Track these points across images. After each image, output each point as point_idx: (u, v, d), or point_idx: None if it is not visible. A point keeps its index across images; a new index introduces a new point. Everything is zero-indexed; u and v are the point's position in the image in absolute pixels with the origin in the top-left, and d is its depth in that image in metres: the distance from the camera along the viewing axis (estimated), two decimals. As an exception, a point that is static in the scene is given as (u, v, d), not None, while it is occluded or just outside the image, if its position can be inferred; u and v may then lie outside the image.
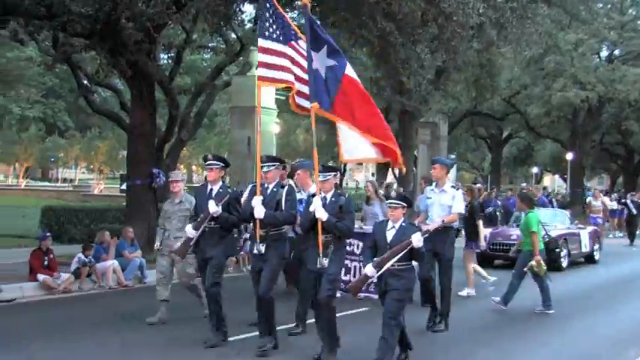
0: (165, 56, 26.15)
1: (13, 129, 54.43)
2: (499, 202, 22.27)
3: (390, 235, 7.20)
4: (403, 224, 7.21)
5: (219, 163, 8.28)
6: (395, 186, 22.62)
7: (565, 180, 48.44)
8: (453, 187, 9.51)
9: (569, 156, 41.43)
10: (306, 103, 7.81)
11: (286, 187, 7.95)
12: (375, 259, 7.10)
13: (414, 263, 7.47)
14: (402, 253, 6.99)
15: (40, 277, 11.58)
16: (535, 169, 61.25)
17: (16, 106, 51.92)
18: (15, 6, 13.30)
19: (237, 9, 15.40)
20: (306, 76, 7.72)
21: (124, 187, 24.88)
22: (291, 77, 7.84)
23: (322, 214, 7.31)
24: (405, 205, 7.26)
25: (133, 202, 15.92)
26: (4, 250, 14.32)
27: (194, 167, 66.04)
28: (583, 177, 44.10)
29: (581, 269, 16.75)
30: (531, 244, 10.86)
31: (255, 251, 7.80)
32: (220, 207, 7.97)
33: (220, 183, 8.29)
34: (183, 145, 20.92)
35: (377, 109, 7.99)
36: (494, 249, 16.34)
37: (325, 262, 7.30)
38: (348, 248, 10.28)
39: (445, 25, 14.93)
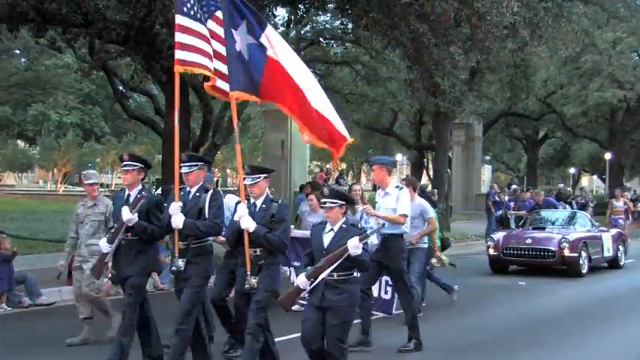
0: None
1: (51, 135, 55.38)
2: (512, 204, 21.68)
3: (327, 239, 6.07)
4: (344, 226, 6.06)
5: (136, 163, 7.02)
6: (429, 188, 22.48)
7: (604, 180, 47.69)
8: (396, 187, 8.43)
9: (608, 156, 40.78)
10: (226, 87, 6.71)
11: (210, 192, 6.74)
12: (309, 267, 6.04)
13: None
14: (339, 261, 5.87)
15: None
16: (572, 170, 60.42)
17: (55, 112, 52.90)
18: (53, 14, 13.53)
19: (270, 12, 15.47)
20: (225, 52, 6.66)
21: (159, 191, 25.11)
22: (209, 62, 6.75)
23: (249, 224, 6.23)
24: (343, 202, 6.10)
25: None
26: (44, 255, 14.52)
27: (228, 171, 66.43)
28: (622, 177, 43.37)
29: (603, 275, 15.49)
30: (430, 241, 10.26)
31: (174, 268, 6.59)
32: (136, 214, 6.70)
33: (139, 187, 7.00)
34: (217, 149, 21.08)
35: (302, 92, 6.79)
36: (508, 254, 15.14)
37: (254, 281, 6.25)
38: None
39: (479, 25, 14.82)
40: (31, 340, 8.39)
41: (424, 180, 37.82)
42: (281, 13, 19.25)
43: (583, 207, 22.77)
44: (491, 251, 15.34)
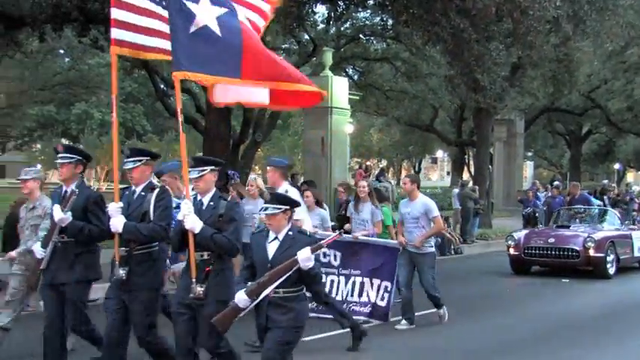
0: (239, 59, 26.43)
1: (94, 133, 56.30)
2: (540, 202, 21.04)
3: (271, 249, 5.20)
4: (290, 234, 5.21)
5: (73, 155, 6.23)
6: (470, 184, 22.25)
7: (649, 176, 46.70)
8: (286, 190, 8.05)
9: (654, 151, 39.93)
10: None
11: (157, 191, 5.95)
12: (250, 283, 5.18)
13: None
14: (286, 275, 5.04)
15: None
16: (617, 166, 59.30)
17: (97, 111, 53.77)
18: (96, 14, 13.73)
19: (310, 10, 15.47)
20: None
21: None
22: (157, 41, 5.91)
23: (194, 224, 5.37)
24: (287, 207, 5.24)
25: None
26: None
27: (268, 168, 66.71)
28: (669, 173, 42.44)
29: (633, 276, 14.75)
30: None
31: (114, 277, 5.79)
32: (69, 213, 5.92)
33: (76, 182, 6.21)
34: (257, 147, 21.16)
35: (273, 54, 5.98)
36: (529, 253, 14.35)
37: (200, 290, 5.40)
38: (323, 259, 9.35)
39: (521, 19, 14.62)
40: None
41: (465, 176, 37.47)
42: (321, 10, 19.23)
43: (615, 204, 22.01)
44: (512, 251, 14.62)
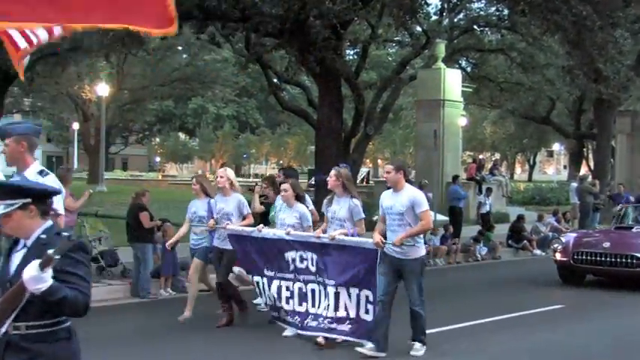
0: (351, 52, 26.53)
1: (209, 127, 58.00)
2: (602, 199, 19.10)
3: (15, 261, 3.36)
4: (42, 237, 3.34)
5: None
6: (589, 178, 21.35)
7: None
8: (39, 172, 6.40)
9: None
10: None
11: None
12: None
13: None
14: (20, 303, 3.19)
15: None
16: None
17: (212, 105, 55.36)
18: (214, 11, 14.09)
19: (423, 1, 15.24)
20: None
21: (312, 181, 25.55)
22: None
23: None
24: (28, 200, 3.32)
25: (321, 196, 16.28)
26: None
27: (380, 161, 66.67)
28: None
29: None
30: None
31: None
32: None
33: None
34: (369, 140, 21.15)
35: None
36: (579, 260, 11.82)
37: None
38: (299, 264, 7.78)
39: (649, 5, 13.85)
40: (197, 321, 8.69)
41: (583, 170, 36.07)
42: (434, 1, 18.98)
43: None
44: (559, 256, 12.05)
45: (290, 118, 49.81)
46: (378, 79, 27.05)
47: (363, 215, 7.70)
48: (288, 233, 7.81)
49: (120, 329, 8.46)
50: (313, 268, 7.68)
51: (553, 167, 78.20)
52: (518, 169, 76.16)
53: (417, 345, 7.26)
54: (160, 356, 7.41)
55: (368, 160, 55.32)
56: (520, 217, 17.27)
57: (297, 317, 7.80)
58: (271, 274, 8.04)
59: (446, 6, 20.49)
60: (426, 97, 21.07)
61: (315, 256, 7.64)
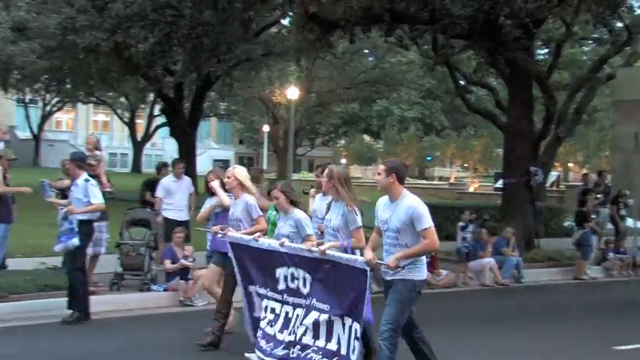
0: (541, 52, 25.58)
1: (394, 129, 58.38)
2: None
3: None
4: None
5: None
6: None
7: None
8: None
9: None
10: None
11: None
12: None
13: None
14: None
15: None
16: None
17: (397, 108, 55.67)
18: (402, 14, 14.16)
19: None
20: None
21: (498, 185, 24.95)
22: None
23: None
24: None
25: (508, 200, 15.81)
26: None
27: (571, 165, 63.80)
28: None
29: None
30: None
31: None
32: None
33: None
34: (560, 143, 20.30)
35: None
36: None
37: None
38: (291, 284, 6.61)
39: None
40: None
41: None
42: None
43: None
44: None
45: (476, 120, 48.96)
46: (570, 78, 25.83)
47: (360, 223, 6.47)
48: (282, 244, 6.68)
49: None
50: (305, 290, 6.46)
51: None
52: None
53: None
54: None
55: (558, 164, 53.08)
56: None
57: (271, 344, 6.62)
58: (264, 292, 6.90)
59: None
60: (625, 97, 20.04)
61: (307, 276, 6.43)
